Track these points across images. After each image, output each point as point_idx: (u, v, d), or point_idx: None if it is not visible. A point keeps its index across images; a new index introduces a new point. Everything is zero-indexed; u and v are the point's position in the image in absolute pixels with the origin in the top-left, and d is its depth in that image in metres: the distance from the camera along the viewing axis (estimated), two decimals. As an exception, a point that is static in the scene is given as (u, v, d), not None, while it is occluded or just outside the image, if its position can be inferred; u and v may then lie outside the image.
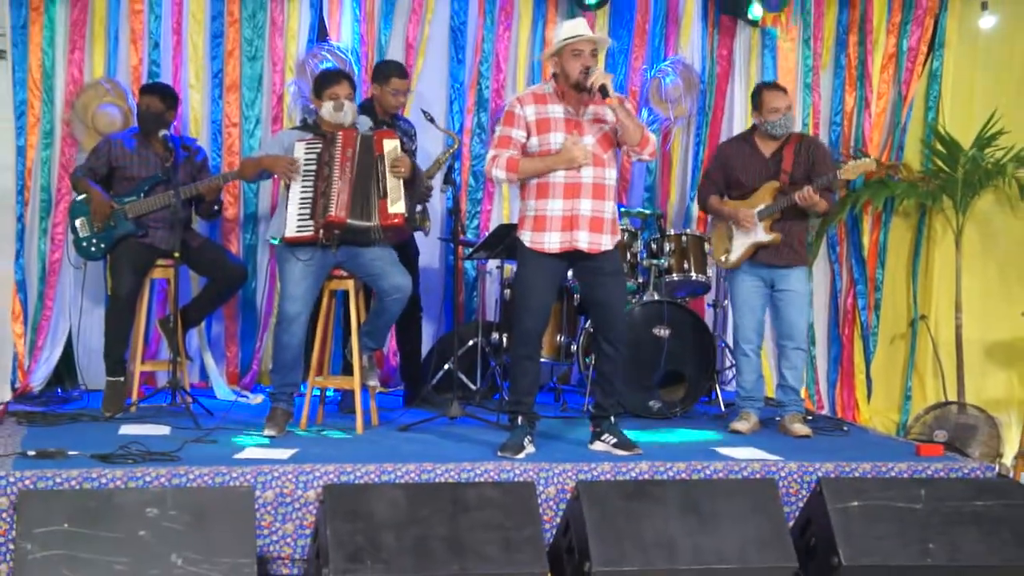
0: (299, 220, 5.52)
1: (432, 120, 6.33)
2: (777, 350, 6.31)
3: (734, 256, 6.07)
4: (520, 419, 5.33)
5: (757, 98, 6.10)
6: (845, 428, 6.31)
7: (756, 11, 7.24)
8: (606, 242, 5.30)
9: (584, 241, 5.24)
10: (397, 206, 5.56)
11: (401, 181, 5.60)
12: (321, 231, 5.49)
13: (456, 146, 6.53)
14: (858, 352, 7.61)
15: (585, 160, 5.15)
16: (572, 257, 5.30)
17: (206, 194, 6.27)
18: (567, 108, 5.23)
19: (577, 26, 5.30)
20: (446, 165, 6.28)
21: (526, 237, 5.31)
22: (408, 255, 6.46)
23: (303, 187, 5.55)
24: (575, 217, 5.22)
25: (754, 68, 7.47)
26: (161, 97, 6.25)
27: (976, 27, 7.33)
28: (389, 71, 6.31)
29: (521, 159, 5.23)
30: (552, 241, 5.25)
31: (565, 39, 5.20)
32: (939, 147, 7.42)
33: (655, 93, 7.28)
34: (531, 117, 5.25)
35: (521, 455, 5.15)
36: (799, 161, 6.03)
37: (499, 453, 5.16)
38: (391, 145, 5.62)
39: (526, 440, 5.25)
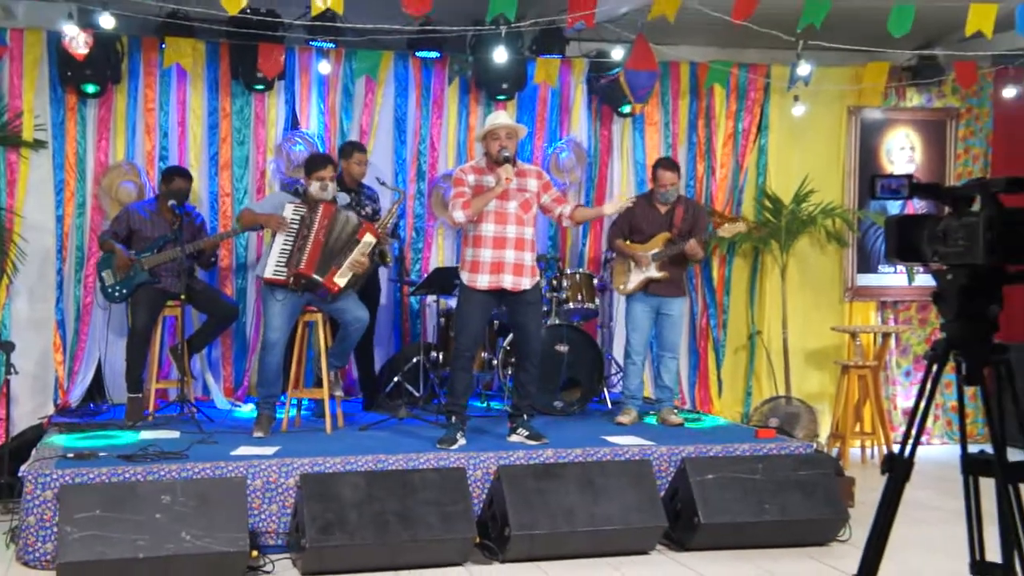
0: (276, 266, 5.50)
1: (384, 183, 6.37)
2: (656, 359, 6.32)
3: (631, 286, 6.09)
4: (454, 418, 5.31)
5: (655, 172, 6.14)
6: (702, 419, 6.35)
7: (627, 108, 7.29)
8: (526, 283, 5.29)
9: (509, 282, 5.24)
10: (341, 280, 5.51)
11: (353, 273, 5.54)
12: (292, 279, 5.46)
13: (402, 199, 6.50)
14: (711, 360, 7.63)
15: (507, 175, 5.10)
16: (500, 293, 5.29)
17: (206, 249, 6.20)
18: (496, 178, 5.21)
19: (498, 116, 5.35)
20: (392, 223, 6.26)
21: (464, 276, 5.30)
22: (375, 295, 6.49)
23: (285, 240, 5.52)
24: (501, 263, 5.22)
25: (627, 146, 7.51)
26: (187, 179, 6.25)
27: (791, 114, 7.46)
28: (352, 148, 6.42)
29: (471, 199, 5.20)
30: (483, 281, 5.24)
31: (488, 126, 5.26)
32: (767, 203, 7.52)
33: (554, 164, 7.30)
34: (472, 182, 5.26)
35: (455, 447, 5.14)
36: (687, 218, 6.10)
37: (438, 445, 5.14)
38: (369, 239, 5.56)
39: (459, 435, 5.23)
